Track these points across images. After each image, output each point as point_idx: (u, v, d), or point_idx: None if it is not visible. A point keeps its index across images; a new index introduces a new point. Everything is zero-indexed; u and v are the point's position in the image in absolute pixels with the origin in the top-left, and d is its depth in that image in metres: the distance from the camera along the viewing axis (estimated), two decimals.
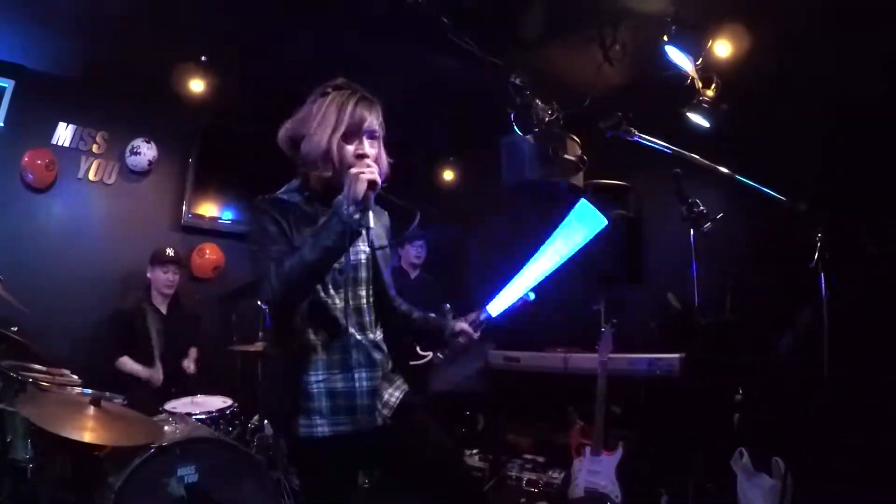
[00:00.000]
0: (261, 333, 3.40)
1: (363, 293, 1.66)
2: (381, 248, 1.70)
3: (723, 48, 3.20)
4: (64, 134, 3.80)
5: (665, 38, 3.08)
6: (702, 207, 3.14)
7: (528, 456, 3.73)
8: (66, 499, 2.54)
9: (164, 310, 3.51)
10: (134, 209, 4.00)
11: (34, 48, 3.58)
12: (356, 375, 1.60)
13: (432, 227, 3.86)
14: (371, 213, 1.45)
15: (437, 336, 1.87)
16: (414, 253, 3.99)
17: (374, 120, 1.59)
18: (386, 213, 1.81)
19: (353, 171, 1.45)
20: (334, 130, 1.54)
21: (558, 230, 1.88)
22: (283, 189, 1.69)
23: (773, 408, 3.10)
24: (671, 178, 3.18)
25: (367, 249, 1.67)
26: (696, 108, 3.32)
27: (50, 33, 3.42)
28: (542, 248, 1.88)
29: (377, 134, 1.62)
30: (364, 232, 1.50)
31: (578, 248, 1.85)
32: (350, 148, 1.56)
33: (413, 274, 4.05)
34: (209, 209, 4.21)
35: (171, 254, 3.52)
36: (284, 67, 3.68)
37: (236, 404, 3.09)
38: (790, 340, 2.96)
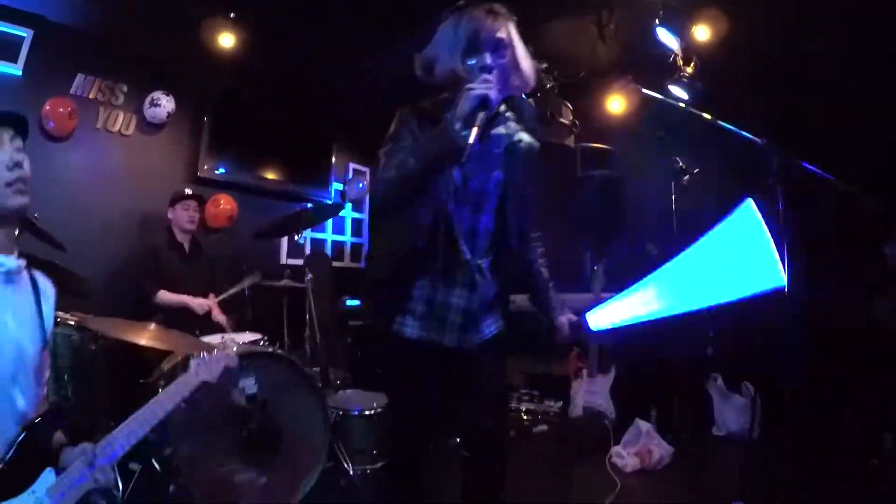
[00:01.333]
0: (287, 271, 3.61)
1: (482, 218, 1.63)
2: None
3: (702, 32, 3.74)
4: (83, 85, 3.83)
5: (656, 20, 3.57)
6: (681, 164, 3.69)
7: (524, 390, 4.10)
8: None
9: (186, 248, 3.65)
10: (150, 161, 4.09)
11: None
12: (456, 293, 1.62)
13: None
14: (474, 131, 1.39)
15: (539, 310, 1.82)
16: None
17: (493, 30, 1.54)
18: (523, 137, 1.69)
19: (467, 87, 1.45)
20: (454, 48, 1.55)
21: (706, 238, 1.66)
22: (433, 100, 1.65)
23: (742, 339, 3.62)
24: (656, 140, 3.73)
25: (501, 177, 1.64)
26: (678, 83, 3.85)
27: None
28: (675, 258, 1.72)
29: (504, 44, 1.55)
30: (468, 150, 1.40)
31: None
32: (472, 63, 1.54)
33: None
34: (224, 164, 4.35)
35: (191, 192, 3.68)
36: (312, 34, 3.88)
37: (266, 337, 3.27)
38: None
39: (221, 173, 4.31)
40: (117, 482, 1.37)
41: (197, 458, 2.34)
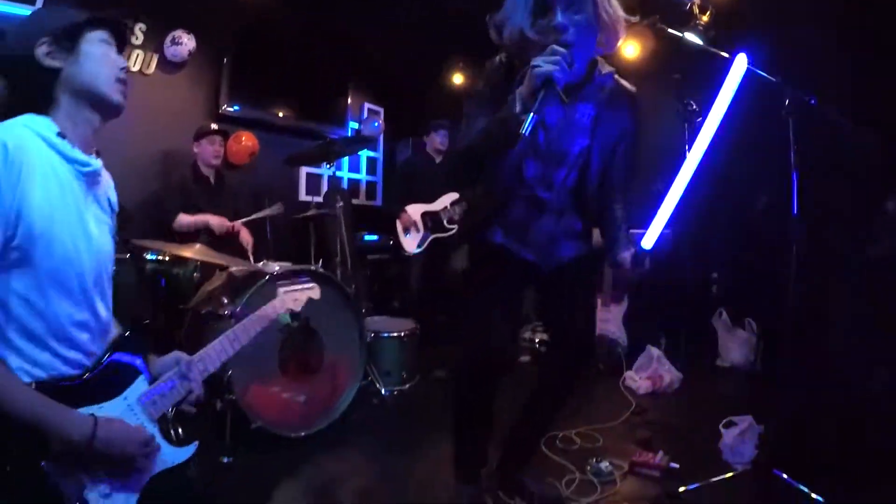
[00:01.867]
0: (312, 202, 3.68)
1: (566, 173, 1.71)
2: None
3: None
4: None
5: None
6: (694, 106, 3.79)
7: (538, 323, 4.26)
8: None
9: (212, 180, 3.69)
10: (171, 99, 4.07)
11: None
12: (542, 219, 1.73)
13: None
14: (529, 118, 1.29)
15: (606, 245, 1.87)
16: (439, 140, 4.37)
17: None
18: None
19: (533, 62, 1.33)
20: (524, 9, 1.45)
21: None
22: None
23: (745, 277, 3.83)
24: (670, 83, 3.81)
25: (586, 143, 1.67)
26: (693, 30, 3.90)
27: None
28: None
29: None
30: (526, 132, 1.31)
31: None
32: (543, 22, 1.41)
33: (437, 159, 4.43)
34: (244, 102, 4.37)
35: (215, 126, 3.70)
36: None
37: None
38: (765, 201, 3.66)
39: (241, 111, 4.32)
40: (205, 395, 1.36)
41: (243, 374, 2.45)
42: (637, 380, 3.33)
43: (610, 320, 3.72)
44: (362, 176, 5.55)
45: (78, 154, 1.19)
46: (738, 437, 2.34)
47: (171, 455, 1.26)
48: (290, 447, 2.51)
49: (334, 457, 2.48)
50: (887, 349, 2.58)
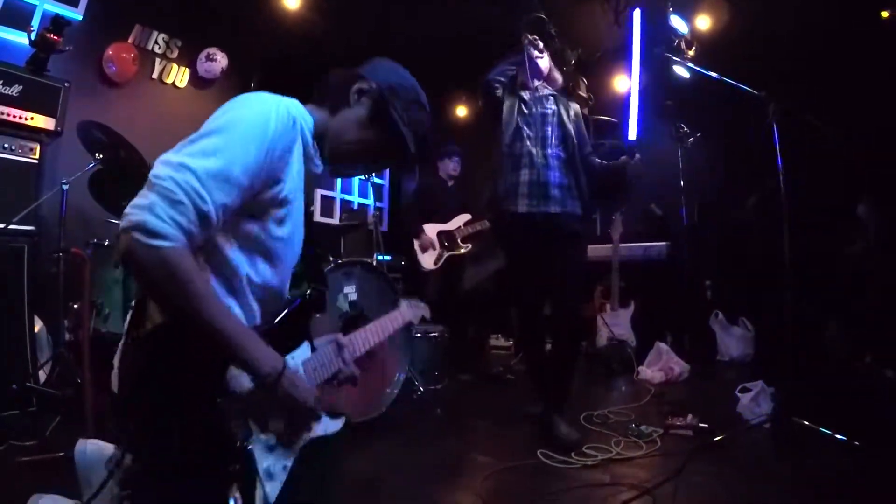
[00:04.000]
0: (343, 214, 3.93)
1: (550, 132, 2.69)
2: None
3: (703, 22, 4.38)
4: (141, 35, 4.00)
5: (670, 7, 4.16)
6: (685, 129, 4.30)
7: None
8: None
9: None
10: (201, 114, 4.21)
11: None
12: (550, 174, 2.60)
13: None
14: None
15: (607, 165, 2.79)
16: (452, 166, 4.72)
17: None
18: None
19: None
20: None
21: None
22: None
23: (737, 281, 4.26)
24: (664, 108, 4.32)
25: (554, 108, 2.73)
26: (681, 64, 4.45)
27: None
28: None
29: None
30: None
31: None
32: None
33: (450, 183, 4.78)
34: None
35: None
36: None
37: None
38: (754, 201, 4.10)
39: None
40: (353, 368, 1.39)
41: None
42: (650, 372, 3.64)
43: (619, 324, 4.05)
44: (370, 201, 5.84)
45: (316, 156, 1.30)
46: (754, 398, 2.68)
47: (325, 424, 1.30)
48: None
49: (387, 443, 2.63)
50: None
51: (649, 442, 2.47)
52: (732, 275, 4.30)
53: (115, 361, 1.13)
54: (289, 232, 1.23)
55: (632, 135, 2.75)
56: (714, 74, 3.10)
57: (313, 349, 1.34)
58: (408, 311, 1.87)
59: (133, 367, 1.08)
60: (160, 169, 1.02)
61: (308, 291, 1.37)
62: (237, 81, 4.51)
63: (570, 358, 2.72)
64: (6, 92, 2.70)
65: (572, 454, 2.30)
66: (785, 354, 2.59)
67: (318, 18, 4.34)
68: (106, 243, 2.89)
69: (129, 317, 1.14)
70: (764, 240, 3.48)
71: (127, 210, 0.98)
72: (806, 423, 2.32)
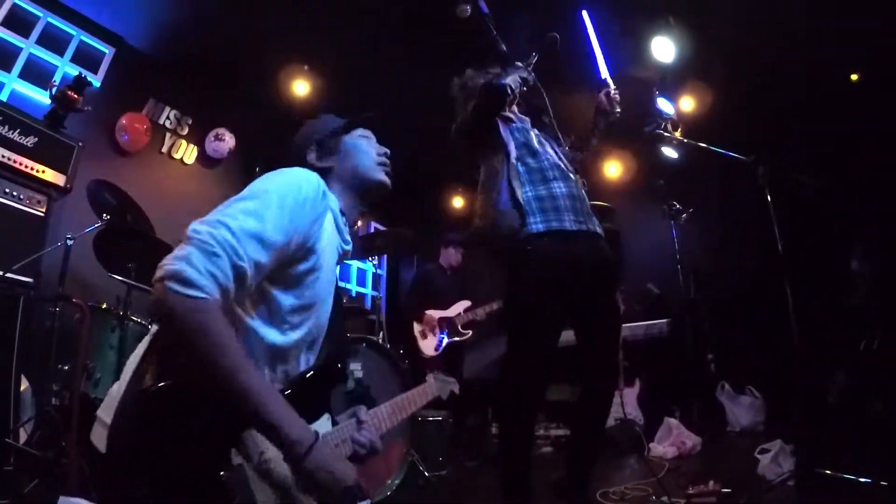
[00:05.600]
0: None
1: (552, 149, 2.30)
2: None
3: (687, 104, 4.67)
4: (154, 109, 4.13)
5: (656, 91, 4.45)
6: (677, 206, 4.44)
7: (550, 423, 4.44)
8: None
9: None
10: (206, 192, 4.34)
11: (135, 21, 3.95)
12: (553, 185, 2.11)
13: None
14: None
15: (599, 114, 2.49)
16: (453, 257, 4.78)
17: None
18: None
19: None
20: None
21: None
22: None
23: (740, 353, 4.22)
24: (656, 188, 4.50)
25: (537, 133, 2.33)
26: (668, 145, 4.69)
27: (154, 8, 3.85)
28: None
29: None
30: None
31: None
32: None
33: (449, 272, 4.81)
34: None
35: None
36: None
37: None
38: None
39: None
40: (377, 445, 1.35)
41: None
42: (661, 448, 3.48)
43: (626, 403, 3.92)
44: (368, 290, 5.87)
45: (345, 231, 1.38)
46: (773, 458, 2.59)
47: None
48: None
49: None
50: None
51: None
52: (734, 344, 4.26)
53: (102, 415, 1.07)
54: (315, 301, 1.24)
55: (604, 74, 2.62)
56: (703, 144, 3.23)
57: (334, 423, 1.30)
58: (435, 385, 1.83)
59: (134, 422, 1.00)
60: (197, 226, 1.05)
61: (331, 361, 1.35)
62: (244, 163, 4.61)
63: (596, 443, 2.19)
64: (21, 141, 2.75)
65: None
66: (799, 409, 2.53)
67: (329, 103, 4.54)
68: (104, 306, 2.81)
69: (133, 367, 1.09)
70: (764, 303, 3.47)
71: (163, 262, 1.00)
72: (829, 472, 2.21)
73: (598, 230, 2.19)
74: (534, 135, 2.33)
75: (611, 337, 2.18)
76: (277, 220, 1.11)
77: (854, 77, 4.25)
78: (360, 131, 1.52)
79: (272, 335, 1.17)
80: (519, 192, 2.09)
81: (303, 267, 1.18)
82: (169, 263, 0.98)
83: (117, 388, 1.09)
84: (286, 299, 1.17)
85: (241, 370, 0.99)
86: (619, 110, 2.47)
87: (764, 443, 2.75)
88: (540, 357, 2.03)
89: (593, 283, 2.08)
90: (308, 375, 1.26)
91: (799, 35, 3.98)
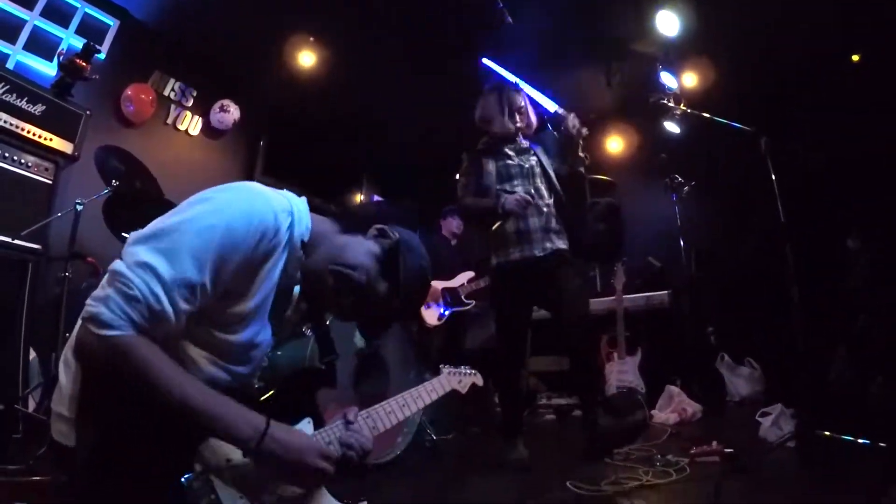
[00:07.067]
0: None
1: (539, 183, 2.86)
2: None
3: (689, 79, 4.67)
4: (159, 81, 4.12)
5: (659, 66, 4.45)
6: (679, 179, 4.45)
7: (551, 392, 4.51)
8: None
9: None
10: (210, 163, 4.35)
11: None
12: (530, 220, 2.74)
13: None
14: None
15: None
16: (455, 224, 4.79)
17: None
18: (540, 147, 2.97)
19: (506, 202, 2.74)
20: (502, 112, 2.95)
21: None
22: (484, 142, 3.00)
23: (740, 325, 4.27)
24: (658, 162, 4.50)
25: (536, 161, 2.88)
26: (671, 119, 4.70)
27: None
28: None
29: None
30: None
31: None
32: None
33: (453, 241, 4.83)
34: (277, 179, 4.65)
35: None
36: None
37: None
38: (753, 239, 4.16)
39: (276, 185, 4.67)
40: (367, 447, 1.28)
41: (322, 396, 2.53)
42: (663, 415, 3.54)
43: (627, 371, 3.98)
44: None
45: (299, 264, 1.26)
46: (774, 421, 2.65)
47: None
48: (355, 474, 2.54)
49: (398, 488, 2.55)
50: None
51: (678, 469, 2.36)
52: (735, 316, 4.31)
53: (59, 408, 1.10)
54: (250, 336, 1.19)
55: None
56: (706, 115, 3.24)
57: (320, 426, 1.26)
58: (448, 380, 1.80)
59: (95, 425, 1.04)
60: (121, 265, 1.02)
61: (315, 362, 1.36)
62: (248, 134, 4.62)
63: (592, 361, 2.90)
64: (28, 109, 2.74)
65: (602, 483, 2.19)
66: (800, 374, 2.57)
67: (333, 76, 4.52)
68: None
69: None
70: (766, 275, 3.49)
71: (87, 301, 1.02)
72: (828, 433, 2.26)
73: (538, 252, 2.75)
74: (527, 166, 2.89)
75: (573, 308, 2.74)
76: (211, 265, 1.05)
77: (855, 57, 4.24)
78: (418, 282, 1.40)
79: (209, 366, 1.15)
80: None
81: (235, 313, 1.13)
82: (89, 305, 1.01)
83: (65, 382, 1.11)
84: (217, 335, 1.13)
85: (174, 385, 1.00)
86: (586, 130, 2.88)
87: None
88: (518, 319, 2.84)
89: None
90: (292, 376, 1.28)
91: (802, 10, 3.98)
